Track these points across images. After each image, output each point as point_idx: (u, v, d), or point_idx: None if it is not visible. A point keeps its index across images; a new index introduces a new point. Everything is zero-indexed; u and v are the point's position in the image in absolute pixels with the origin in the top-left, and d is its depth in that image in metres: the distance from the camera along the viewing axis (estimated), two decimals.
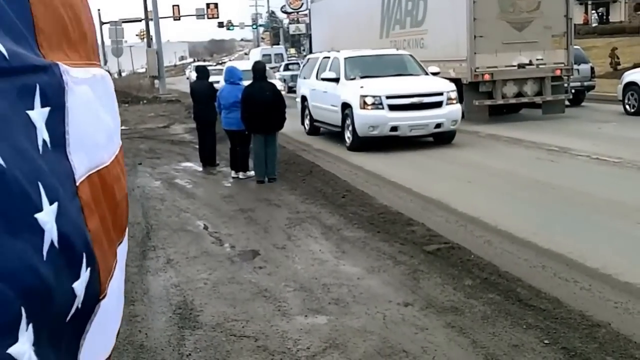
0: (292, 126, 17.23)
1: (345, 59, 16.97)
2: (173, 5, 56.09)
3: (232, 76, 12.72)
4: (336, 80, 16.34)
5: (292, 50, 76.52)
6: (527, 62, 19.20)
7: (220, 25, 74.03)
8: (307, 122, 19.03)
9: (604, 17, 56.90)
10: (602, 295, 6.12)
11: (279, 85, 29.24)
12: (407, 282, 6.57)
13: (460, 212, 9.44)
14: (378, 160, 13.89)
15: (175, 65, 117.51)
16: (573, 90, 21.18)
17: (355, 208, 9.69)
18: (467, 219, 9.07)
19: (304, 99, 19.24)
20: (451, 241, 7.81)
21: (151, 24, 41.90)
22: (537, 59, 19.28)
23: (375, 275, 6.81)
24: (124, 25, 48.41)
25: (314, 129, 18.71)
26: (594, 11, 56.41)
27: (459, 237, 8.05)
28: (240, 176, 12.54)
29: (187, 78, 49.20)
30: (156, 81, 41.74)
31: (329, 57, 18.04)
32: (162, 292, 6.58)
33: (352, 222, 9.00)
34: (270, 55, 52.78)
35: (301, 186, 11.57)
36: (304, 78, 19.59)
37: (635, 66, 26.15)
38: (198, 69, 14.89)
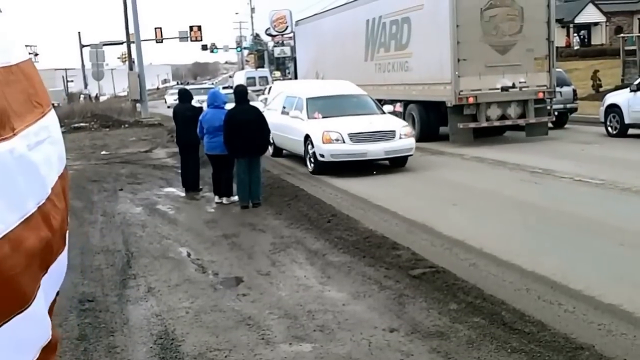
0: None
1: None
2: (155, 28, 55.77)
3: (216, 100, 12.65)
4: None
5: (277, 73, 76.57)
6: (510, 84, 19.33)
7: (204, 47, 74.00)
8: None
9: (586, 39, 57.52)
10: (585, 317, 6.14)
11: (261, 107, 29.15)
12: (393, 307, 6.54)
13: (445, 235, 9.44)
14: (363, 184, 13.86)
15: (157, 88, 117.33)
16: (556, 113, 21.30)
17: (341, 232, 9.64)
18: (452, 242, 9.07)
19: None
20: (436, 265, 7.79)
21: (133, 46, 41.83)
22: (520, 82, 19.42)
23: (361, 301, 6.77)
24: (105, 48, 48.20)
25: None
26: (575, 34, 57.02)
27: (444, 261, 8.03)
28: (224, 201, 12.46)
29: (169, 107, 48.01)
30: (138, 105, 41.63)
31: None
32: (142, 322, 6.48)
33: (337, 246, 8.95)
34: (254, 77, 52.90)
35: (286, 210, 11.51)
36: None
37: (616, 88, 26.35)
38: (180, 92, 14.81)
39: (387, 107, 17.79)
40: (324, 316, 6.36)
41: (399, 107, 21.50)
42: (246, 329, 6.12)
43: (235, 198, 12.31)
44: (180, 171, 14.51)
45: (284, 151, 18.55)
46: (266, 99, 34.67)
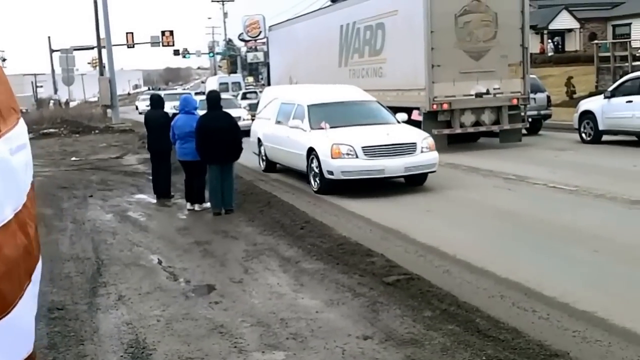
0: None
1: None
2: (127, 33, 55.76)
3: (187, 105, 12.53)
4: None
5: (250, 79, 76.67)
6: (485, 91, 19.38)
7: (176, 53, 73.99)
8: None
9: (560, 46, 58.01)
10: (560, 324, 6.12)
11: (245, 113, 28.96)
12: (367, 314, 6.48)
13: (419, 241, 9.41)
14: (336, 191, 13.74)
15: (129, 94, 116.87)
16: (530, 119, 21.44)
17: (314, 239, 9.57)
18: (426, 248, 9.04)
19: None
20: (410, 272, 7.74)
21: (104, 51, 41.59)
22: (494, 88, 19.48)
23: (334, 308, 6.71)
24: (75, 52, 47.91)
25: None
26: (549, 40, 57.49)
27: (419, 268, 8.00)
28: (196, 208, 12.34)
29: (140, 113, 47.39)
30: (109, 110, 41.38)
31: None
32: (113, 331, 6.37)
33: (310, 253, 8.89)
34: (227, 83, 52.62)
35: (259, 217, 11.42)
36: None
37: (590, 95, 26.58)
38: (153, 98, 14.65)
39: (401, 115, 15.24)
40: (297, 324, 6.29)
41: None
42: (218, 337, 6.04)
43: (208, 205, 12.20)
44: (151, 177, 14.36)
45: (277, 165, 16.70)
46: (252, 104, 34.38)
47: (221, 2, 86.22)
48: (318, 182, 13.57)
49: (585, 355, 5.41)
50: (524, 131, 21.01)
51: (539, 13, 53.15)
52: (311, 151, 13.75)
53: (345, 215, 11.49)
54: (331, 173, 13.08)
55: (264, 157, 17.13)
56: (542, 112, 23.43)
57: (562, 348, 5.48)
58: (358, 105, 15.35)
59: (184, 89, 78.05)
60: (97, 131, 34.15)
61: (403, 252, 8.86)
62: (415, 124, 17.35)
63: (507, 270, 7.79)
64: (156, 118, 13.57)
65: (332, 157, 12.97)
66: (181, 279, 8.08)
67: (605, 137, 19.48)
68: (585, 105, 20.45)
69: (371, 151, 13.00)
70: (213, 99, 12.18)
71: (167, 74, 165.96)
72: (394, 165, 12.95)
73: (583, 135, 20.02)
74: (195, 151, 11.80)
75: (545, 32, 56.92)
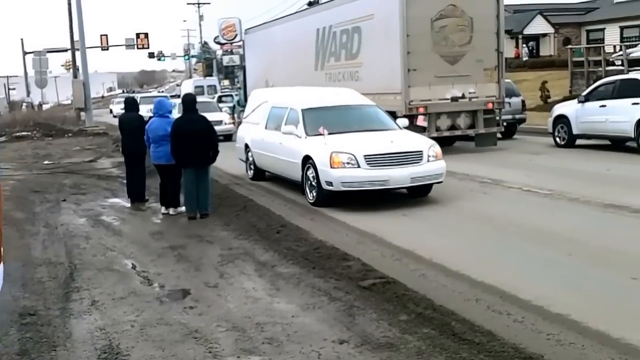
0: None
1: None
2: (101, 35, 55.37)
3: (161, 108, 12.44)
4: None
5: (226, 82, 76.24)
6: (460, 95, 19.46)
7: (151, 55, 73.62)
8: None
9: (534, 51, 58.54)
10: (534, 327, 6.13)
11: (227, 117, 28.87)
12: (343, 318, 6.46)
13: (395, 245, 9.40)
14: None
15: (103, 97, 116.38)
16: (505, 123, 21.57)
17: (290, 243, 9.54)
18: (402, 252, 9.03)
19: None
20: (386, 276, 7.73)
21: (78, 53, 41.32)
22: (470, 92, 19.56)
23: (310, 313, 6.69)
24: (48, 55, 47.54)
25: None
26: (524, 45, 58.01)
27: (395, 271, 7.98)
28: (171, 212, 12.25)
29: (115, 116, 46.98)
30: (82, 113, 41.12)
31: None
32: (86, 336, 6.29)
33: (286, 257, 8.85)
34: (203, 86, 52.51)
35: (235, 221, 11.37)
36: None
37: (565, 99, 26.81)
38: (127, 101, 14.51)
39: (402, 121, 14.38)
40: (272, 328, 6.26)
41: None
42: (193, 343, 5.99)
43: (183, 209, 12.12)
44: (125, 181, 14.25)
45: (267, 173, 15.68)
46: (233, 107, 34.30)
47: (197, 5, 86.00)
48: (315, 193, 12.55)
49: (559, 357, 5.42)
50: (499, 135, 21.15)
51: (513, 18, 53.62)
52: (307, 160, 12.68)
53: (321, 219, 11.47)
54: (330, 184, 12.05)
55: (252, 165, 16.08)
56: (517, 116, 23.62)
57: (536, 351, 5.48)
58: (356, 110, 14.30)
59: (159, 92, 77.73)
60: (70, 134, 33.94)
61: (379, 256, 8.84)
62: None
63: (482, 273, 7.80)
64: (130, 121, 13.47)
65: (331, 167, 11.94)
66: (155, 284, 8.01)
67: (579, 141, 19.67)
68: (559, 109, 20.63)
69: (374, 160, 11.96)
70: (189, 102, 12.11)
71: (141, 76, 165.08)
72: (399, 176, 11.93)
73: (557, 139, 20.19)
74: (169, 154, 11.73)
75: (520, 36, 57.44)
